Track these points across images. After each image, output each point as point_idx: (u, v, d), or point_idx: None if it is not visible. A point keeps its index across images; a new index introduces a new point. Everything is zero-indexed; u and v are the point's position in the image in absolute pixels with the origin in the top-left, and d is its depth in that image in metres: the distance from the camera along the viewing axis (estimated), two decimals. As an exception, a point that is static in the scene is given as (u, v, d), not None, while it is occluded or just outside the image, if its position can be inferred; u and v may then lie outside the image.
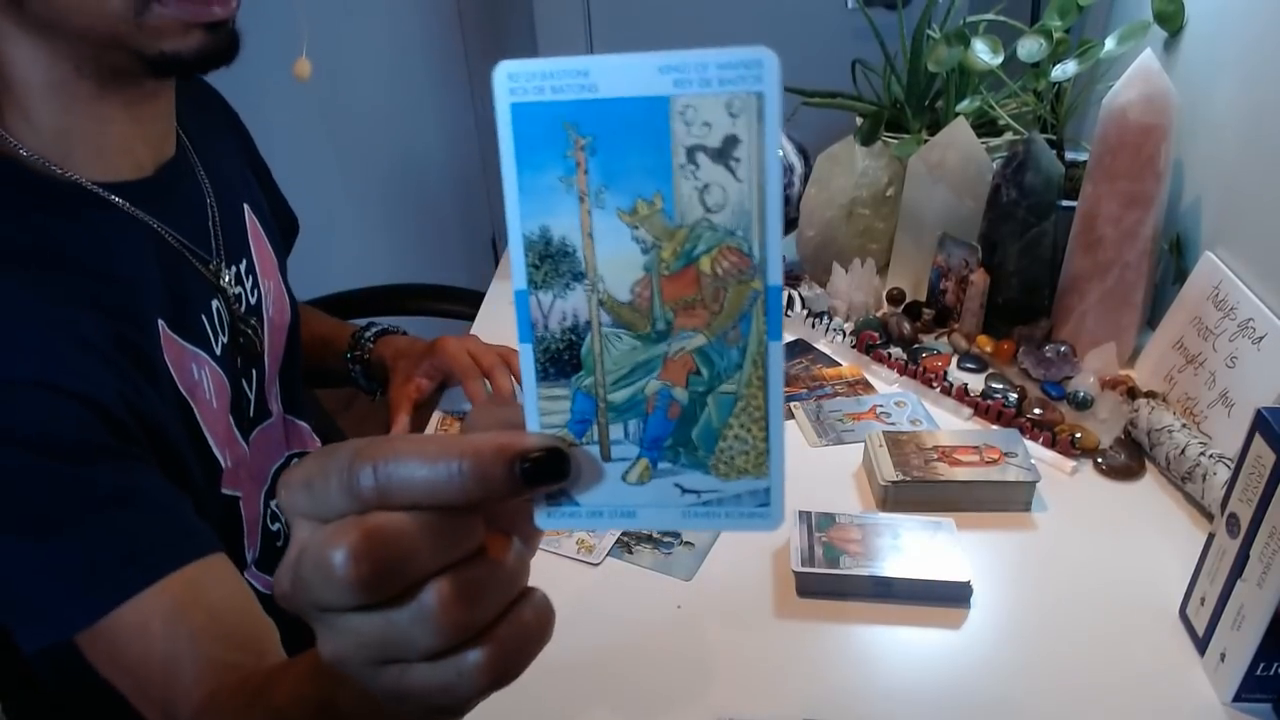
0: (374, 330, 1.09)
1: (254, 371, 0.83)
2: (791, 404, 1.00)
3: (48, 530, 0.58)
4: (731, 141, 0.29)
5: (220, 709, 0.53)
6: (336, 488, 0.30)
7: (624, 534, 0.82)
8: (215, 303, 0.77)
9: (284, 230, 1.01)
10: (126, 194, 0.70)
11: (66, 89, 0.66)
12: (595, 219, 0.30)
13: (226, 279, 0.79)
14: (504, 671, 0.31)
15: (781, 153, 1.17)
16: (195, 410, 0.72)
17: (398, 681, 0.31)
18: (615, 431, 0.32)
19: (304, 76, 0.87)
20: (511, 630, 0.31)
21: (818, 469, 0.91)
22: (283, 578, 0.31)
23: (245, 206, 0.87)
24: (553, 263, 0.30)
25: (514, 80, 0.29)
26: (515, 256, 0.30)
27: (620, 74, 0.29)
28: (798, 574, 0.76)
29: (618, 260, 0.30)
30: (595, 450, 0.32)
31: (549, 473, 0.30)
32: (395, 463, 0.29)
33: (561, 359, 0.32)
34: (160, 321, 0.70)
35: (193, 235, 0.76)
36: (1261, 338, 0.84)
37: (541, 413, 0.32)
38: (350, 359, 1.09)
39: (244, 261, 0.84)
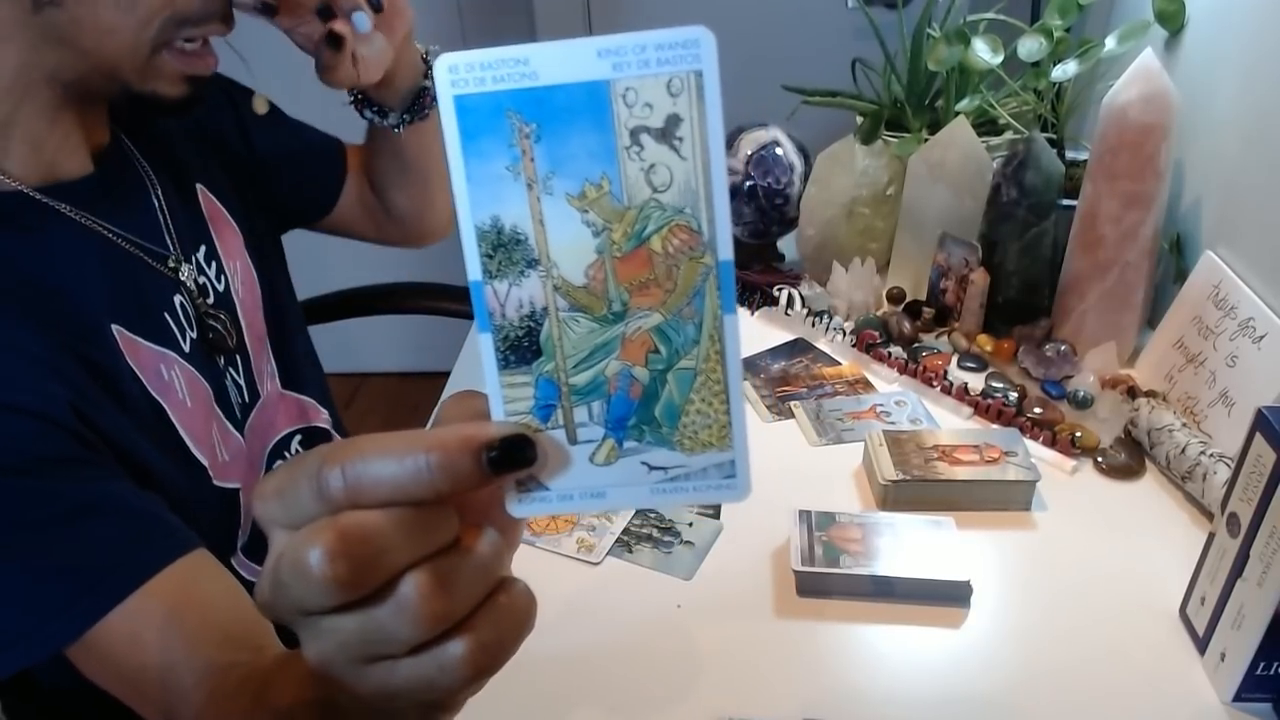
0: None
1: (238, 359, 0.82)
2: (791, 403, 1.00)
3: (12, 550, 0.58)
4: (674, 121, 0.29)
5: (222, 711, 0.53)
6: (307, 493, 0.30)
7: (624, 533, 0.82)
8: (179, 299, 0.76)
9: (329, 161, 0.99)
10: (66, 197, 0.69)
11: (29, 91, 0.65)
12: (545, 205, 0.30)
13: (186, 273, 0.77)
14: (486, 662, 0.31)
15: (781, 151, 1.17)
16: (169, 413, 0.71)
17: (384, 680, 0.31)
18: (580, 414, 0.33)
19: (262, 113, 0.88)
20: (491, 619, 0.31)
21: (818, 468, 0.91)
22: (263, 586, 0.31)
23: (199, 187, 0.85)
24: (505, 251, 0.31)
25: (454, 73, 0.29)
26: (468, 248, 0.31)
27: (560, 60, 0.29)
28: (798, 573, 0.76)
29: (570, 245, 0.31)
30: (561, 434, 0.33)
31: (515, 460, 0.31)
32: (362, 463, 0.29)
33: (521, 346, 0.32)
34: (116, 326, 0.68)
35: (143, 233, 0.74)
36: (1262, 337, 0.84)
37: (505, 400, 0.32)
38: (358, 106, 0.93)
39: (203, 248, 0.81)
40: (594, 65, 0.29)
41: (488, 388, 0.33)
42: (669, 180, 0.30)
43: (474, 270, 0.31)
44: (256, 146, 0.95)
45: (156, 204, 0.77)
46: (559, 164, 0.30)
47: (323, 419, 0.95)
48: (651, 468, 0.33)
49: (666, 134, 0.30)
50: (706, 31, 0.29)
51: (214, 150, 0.91)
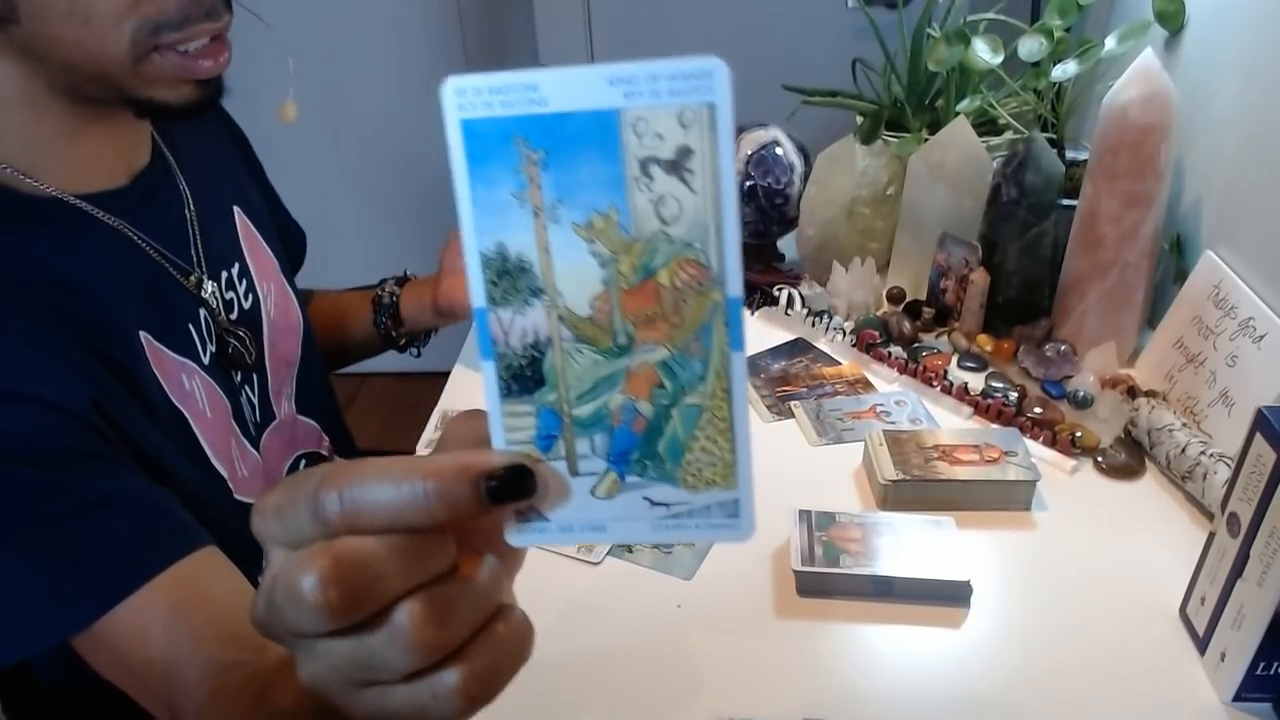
0: (390, 283, 1.05)
1: (255, 377, 0.83)
2: (791, 403, 1.00)
3: (25, 540, 0.58)
4: (685, 153, 0.29)
5: (224, 709, 0.53)
6: (305, 515, 0.30)
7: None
8: (202, 312, 0.76)
9: (290, 245, 1.00)
10: (102, 204, 0.69)
11: (37, 102, 0.65)
12: (551, 234, 0.30)
13: (209, 290, 0.78)
14: (480, 691, 0.31)
15: (781, 151, 1.17)
16: (190, 422, 0.72)
17: (377, 705, 0.31)
18: (582, 446, 0.32)
19: (289, 119, 0.86)
20: (487, 648, 0.31)
21: (818, 468, 0.91)
22: (258, 605, 0.31)
23: (236, 209, 0.86)
24: (510, 279, 0.30)
25: (462, 96, 0.29)
26: (473, 274, 0.30)
27: (570, 87, 0.28)
28: (798, 573, 0.76)
29: (576, 275, 0.30)
30: (562, 466, 0.32)
31: (515, 490, 0.30)
32: (360, 488, 0.29)
33: (524, 375, 0.32)
34: (143, 333, 0.69)
35: (172, 246, 0.75)
36: (1262, 337, 0.84)
37: (507, 429, 0.32)
38: (378, 322, 1.04)
39: (236, 265, 0.82)
40: (604, 93, 0.28)
41: (489, 416, 0.32)
42: (678, 213, 0.29)
43: (478, 297, 0.31)
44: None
45: (189, 222, 0.78)
46: (566, 192, 0.29)
47: (324, 446, 0.96)
48: (653, 503, 0.32)
49: (677, 166, 0.29)
50: (720, 63, 0.28)
51: (252, 179, 0.93)
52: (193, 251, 0.78)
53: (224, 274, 0.80)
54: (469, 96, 0.29)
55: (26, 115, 0.65)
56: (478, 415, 0.33)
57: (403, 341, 1.07)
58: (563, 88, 0.28)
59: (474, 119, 0.29)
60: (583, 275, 0.30)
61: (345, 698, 0.32)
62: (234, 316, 0.81)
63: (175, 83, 0.66)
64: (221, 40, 0.67)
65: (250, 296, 0.83)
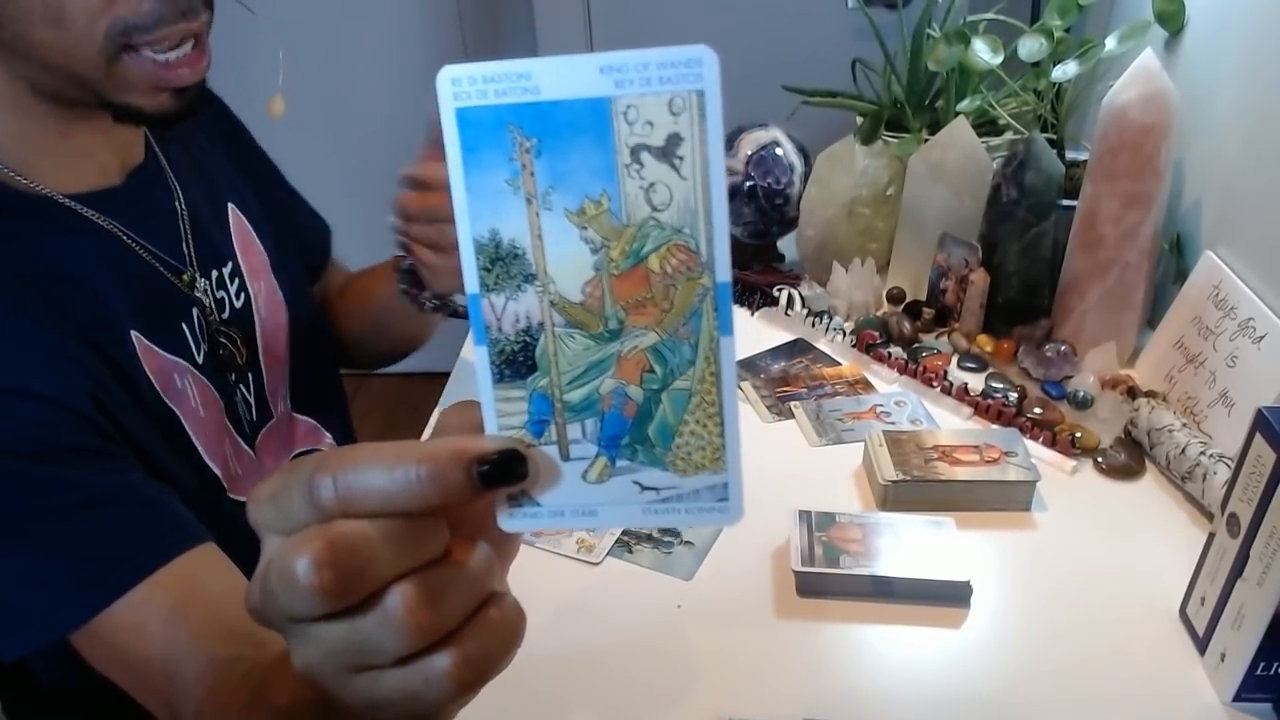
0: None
1: (250, 376, 0.83)
2: (791, 403, 1.00)
3: (25, 535, 0.58)
4: (675, 140, 0.29)
5: (222, 706, 0.53)
6: (299, 500, 0.30)
7: (624, 533, 0.82)
8: (195, 311, 0.77)
9: (311, 237, 0.99)
10: (94, 204, 0.70)
11: (21, 101, 0.65)
12: (544, 220, 0.30)
13: (201, 288, 0.78)
14: (472, 676, 0.31)
15: (781, 151, 1.17)
16: (182, 420, 0.72)
17: (369, 690, 0.31)
18: (573, 431, 0.33)
19: (277, 114, 0.86)
20: (478, 633, 0.31)
21: (818, 468, 0.91)
22: (253, 591, 0.31)
23: (230, 206, 0.86)
24: (504, 265, 0.31)
25: (457, 85, 0.29)
26: (466, 260, 0.31)
27: (562, 76, 0.29)
28: (798, 574, 0.76)
29: (568, 261, 0.31)
30: (554, 450, 0.33)
31: (507, 474, 0.31)
32: (354, 473, 0.30)
33: (516, 360, 0.32)
34: (135, 333, 0.69)
35: (164, 245, 0.75)
36: (1262, 337, 0.84)
37: (499, 414, 0.32)
38: (403, 288, 0.98)
39: (229, 265, 0.82)
40: (596, 82, 0.29)
41: (481, 401, 0.32)
42: (668, 199, 0.30)
43: (471, 283, 0.31)
44: (272, 192, 0.97)
45: (180, 221, 0.78)
46: (559, 179, 0.30)
47: (325, 444, 0.96)
48: (644, 487, 0.33)
49: (667, 153, 0.29)
50: (709, 51, 0.28)
51: (249, 177, 0.93)
52: (184, 249, 0.77)
53: (215, 272, 0.80)
54: (464, 85, 0.29)
55: (14, 114, 0.66)
56: (471, 405, 0.34)
57: (432, 305, 0.99)
58: (555, 76, 0.29)
59: (468, 107, 0.29)
60: (574, 261, 0.31)
61: (338, 684, 0.32)
62: (226, 315, 0.81)
63: (151, 90, 0.66)
64: (200, 48, 0.66)
65: (242, 295, 0.83)
